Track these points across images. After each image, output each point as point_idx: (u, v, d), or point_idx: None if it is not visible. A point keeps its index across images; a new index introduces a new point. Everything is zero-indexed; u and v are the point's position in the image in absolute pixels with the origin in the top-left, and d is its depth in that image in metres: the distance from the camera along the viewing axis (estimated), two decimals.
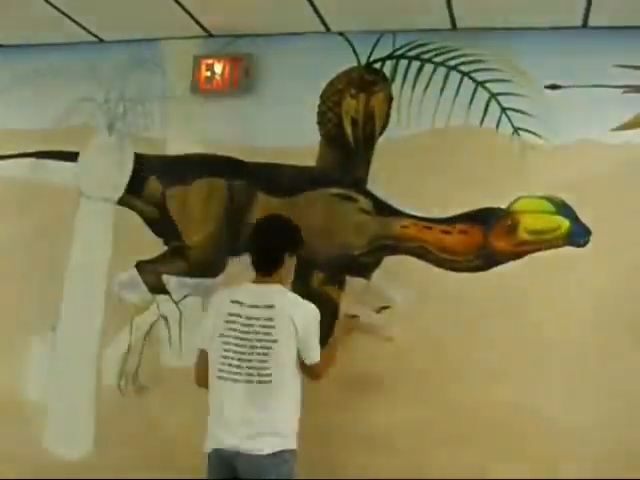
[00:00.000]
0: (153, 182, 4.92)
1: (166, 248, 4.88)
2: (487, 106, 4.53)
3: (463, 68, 4.58)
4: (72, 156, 5.11)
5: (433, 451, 4.36)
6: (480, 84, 4.55)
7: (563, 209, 4.34)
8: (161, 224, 4.89)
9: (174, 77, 5.01)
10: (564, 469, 4.18)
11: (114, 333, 4.89)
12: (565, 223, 4.33)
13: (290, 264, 3.99)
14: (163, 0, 4.48)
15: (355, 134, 4.69)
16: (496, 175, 4.47)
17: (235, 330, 3.81)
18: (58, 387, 4.98)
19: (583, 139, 4.40)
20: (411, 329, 4.47)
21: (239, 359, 3.78)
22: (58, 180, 5.10)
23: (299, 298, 3.92)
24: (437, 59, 4.62)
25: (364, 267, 4.58)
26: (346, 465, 4.46)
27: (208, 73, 4.86)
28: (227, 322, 3.83)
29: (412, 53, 4.65)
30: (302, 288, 4.55)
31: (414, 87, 4.64)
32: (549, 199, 4.37)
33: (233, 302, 3.86)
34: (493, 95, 4.53)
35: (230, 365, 3.79)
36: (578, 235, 4.31)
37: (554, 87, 4.46)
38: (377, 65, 4.71)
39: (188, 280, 4.81)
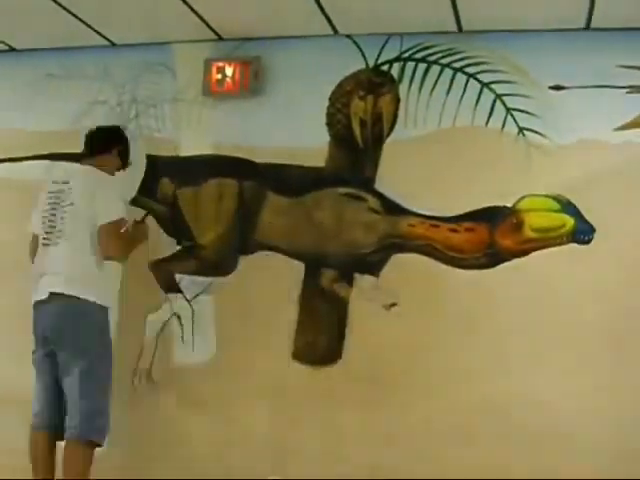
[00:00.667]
0: (165, 183, 4.97)
1: (179, 248, 4.93)
2: (492, 107, 4.58)
3: (469, 70, 4.63)
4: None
5: (441, 449, 4.40)
6: (486, 85, 4.60)
7: (568, 207, 4.38)
8: (174, 224, 4.93)
9: (185, 80, 5.05)
10: (572, 467, 4.23)
11: (127, 331, 4.90)
12: (570, 221, 4.37)
13: (115, 159, 4.62)
14: (175, 4, 4.52)
15: (363, 135, 4.73)
16: (502, 174, 4.51)
17: (51, 203, 4.38)
18: None
19: (587, 139, 4.44)
20: (418, 326, 4.52)
21: (49, 226, 4.34)
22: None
23: (101, 172, 4.42)
24: (443, 61, 4.66)
25: (373, 265, 4.62)
26: (358, 462, 4.50)
27: (219, 76, 4.89)
28: (48, 199, 4.41)
29: (419, 55, 4.70)
30: (312, 286, 4.64)
31: (421, 88, 4.68)
32: (554, 197, 4.42)
33: (53, 182, 4.45)
34: (498, 96, 4.58)
35: (45, 232, 4.36)
36: (582, 233, 4.35)
37: (558, 88, 4.50)
38: (385, 67, 4.75)
39: (200, 279, 4.86)
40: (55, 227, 4.32)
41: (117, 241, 4.30)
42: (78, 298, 4.20)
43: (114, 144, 4.65)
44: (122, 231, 4.32)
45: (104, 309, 4.31)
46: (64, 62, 5.24)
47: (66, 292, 4.21)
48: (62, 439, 4.23)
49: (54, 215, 4.34)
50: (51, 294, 4.24)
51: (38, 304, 4.32)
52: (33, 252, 4.47)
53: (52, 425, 4.29)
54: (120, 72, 5.16)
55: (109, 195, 4.33)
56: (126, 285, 4.91)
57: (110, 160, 4.60)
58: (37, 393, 4.37)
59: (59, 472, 4.21)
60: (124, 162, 4.71)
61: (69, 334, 4.21)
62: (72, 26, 4.88)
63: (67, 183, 4.37)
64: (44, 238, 4.37)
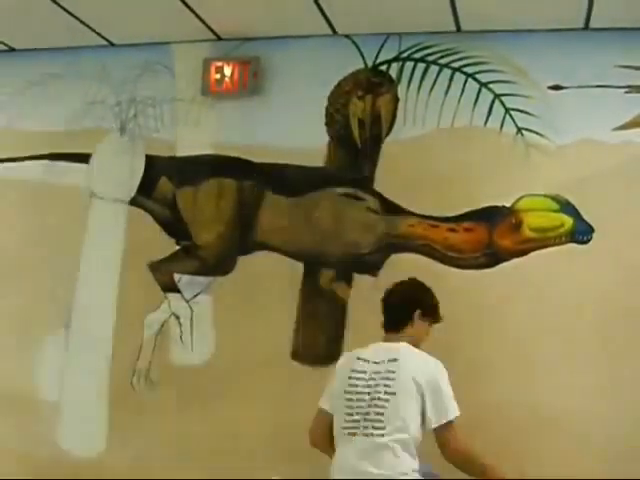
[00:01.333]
0: (164, 183, 4.97)
1: (178, 247, 4.93)
2: (491, 107, 4.59)
3: (467, 70, 4.64)
4: (84, 158, 5.16)
5: (437, 449, 4.37)
6: (484, 85, 4.61)
7: (566, 207, 4.39)
8: (172, 224, 4.93)
9: (184, 80, 5.06)
10: (573, 467, 4.22)
11: (126, 332, 4.93)
12: (568, 221, 4.38)
13: (421, 324, 3.82)
14: (173, 4, 4.53)
15: (362, 135, 4.74)
16: (500, 174, 4.53)
17: (358, 386, 3.63)
18: (71, 386, 5.01)
19: (585, 139, 4.45)
20: None
21: (357, 413, 3.58)
22: (70, 181, 5.14)
23: (425, 354, 3.71)
24: (442, 61, 4.67)
25: (371, 265, 4.62)
26: None
27: (218, 76, 4.91)
28: (350, 378, 3.66)
29: (417, 55, 4.71)
30: (311, 286, 4.64)
31: (420, 88, 4.69)
32: (552, 197, 4.43)
33: (359, 359, 3.72)
34: (497, 96, 4.58)
35: (353, 421, 3.59)
36: (581, 232, 4.36)
37: (557, 88, 4.51)
38: (383, 67, 4.76)
39: (199, 279, 4.86)
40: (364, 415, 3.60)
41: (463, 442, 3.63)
42: None
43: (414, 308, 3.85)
44: None
45: None
46: (63, 62, 5.25)
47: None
48: None
49: (365, 403, 3.59)
50: None
51: None
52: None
53: None
54: (119, 72, 5.17)
55: (444, 386, 3.63)
56: (125, 285, 4.96)
57: (421, 330, 3.87)
58: None
59: None
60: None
61: None
62: (71, 26, 4.90)
63: (393, 362, 3.63)
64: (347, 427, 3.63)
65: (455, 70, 4.65)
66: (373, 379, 3.61)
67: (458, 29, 4.64)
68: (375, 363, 3.65)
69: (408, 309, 3.79)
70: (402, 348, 3.68)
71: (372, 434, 3.51)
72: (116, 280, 5.00)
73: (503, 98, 4.58)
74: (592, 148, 4.44)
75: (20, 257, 5.17)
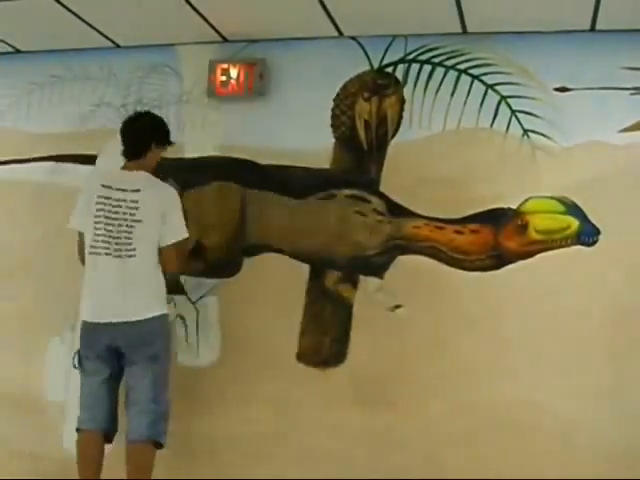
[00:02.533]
0: (170, 185, 4.96)
1: None
2: (497, 108, 4.58)
3: (473, 71, 4.63)
4: (90, 159, 5.16)
5: (445, 450, 4.41)
6: (490, 87, 4.60)
7: (572, 209, 4.39)
8: None
9: (190, 81, 5.06)
10: (574, 468, 4.23)
11: None
12: (574, 223, 4.37)
13: (155, 153, 4.42)
14: (179, 6, 4.53)
15: (368, 136, 4.74)
16: (506, 176, 4.51)
17: (104, 211, 4.21)
18: (77, 387, 4.98)
19: (592, 140, 4.44)
20: (423, 327, 4.52)
21: (109, 236, 4.19)
22: (76, 183, 5.13)
23: (160, 181, 4.33)
24: (448, 63, 4.67)
25: (377, 267, 4.62)
26: (362, 464, 4.51)
27: (224, 77, 4.90)
28: (97, 204, 4.23)
29: (423, 57, 4.70)
30: (317, 287, 4.64)
31: (426, 90, 4.69)
32: (558, 199, 4.42)
33: (104, 186, 4.27)
34: (503, 98, 4.58)
35: (103, 242, 4.20)
36: (587, 235, 4.35)
37: (563, 89, 4.50)
38: (389, 69, 4.76)
39: (205, 280, 4.86)
40: (118, 239, 4.21)
41: (183, 259, 4.40)
42: (152, 317, 4.22)
43: (153, 140, 4.44)
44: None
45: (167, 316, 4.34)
46: (69, 64, 5.25)
47: (141, 317, 4.19)
48: (110, 441, 4.34)
49: (115, 226, 4.22)
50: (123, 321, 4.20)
51: (103, 324, 4.24)
52: (82, 252, 4.36)
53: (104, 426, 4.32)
54: (125, 74, 5.18)
55: (178, 213, 4.30)
56: None
57: (152, 158, 4.45)
58: (87, 396, 4.33)
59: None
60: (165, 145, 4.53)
61: (145, 346, 4.20)
62: (77, 28, 4.89)
63: (136, 192, 4.25)
64: (96, 247, 4.25)
65: (461, 72, 4.64)
66: (119, 206, 4.22)
67: (464, 31, 4.64)
68: (119, 190, 4.25)
69: (146, 140, 4.38)
70: (142, 179, 4.30)
71: (126, 256, 4.17)
72: None
73: (509, 100, 4.57)
74: (598, 150, 4.43)
75: (26, 258, 5.18)
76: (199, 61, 5.02)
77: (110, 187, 4.25)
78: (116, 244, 4.18)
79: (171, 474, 4.61)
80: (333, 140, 4.81)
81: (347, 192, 4.72)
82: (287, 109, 4.89)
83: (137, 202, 4.20)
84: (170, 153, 4.99)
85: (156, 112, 5.02)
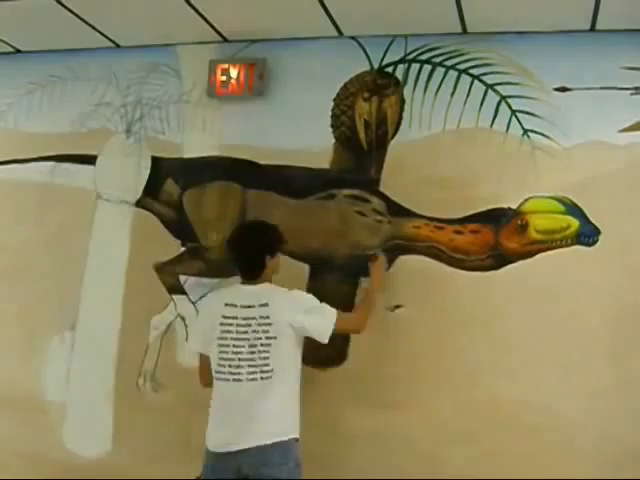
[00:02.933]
0: (170, 184, 4.98)
1: (183, 249, 4.94)
2: (497, 108, 4.57)
3: (473, 71, 4.62)
4: (90, 159, 5.17)
5: (446, 450, 4.40)
6: (490, 87, 4.60)
7: (572, 209, 4.38)
8: (178, 225, 4.94)
9: (190, 81, 5.07)
10: (575, 468, 4.22)
11: (132, 333, 4.94)
12: (574, 223, 4.36)
13: (273, 263, 4.08)
14: (179, 6, 4.53)
15: (368, 136, 4.73)
16: (506, 176, 4.50)
17: (232, 332, 3.91)
18: (77, 386, 5.03)
19: (592, 140, 4.43)
20: (423, 327, 4.52)
21: (239, 359, 3.87)
22: (76, 183, 5.16)
23: (286, 290, 4.01)
24: (448, 63, 4.66)
25: None
26: (363, 464, 4.51)
27: (224, 77, 4.91)
28: (222, 324, 3.93)
29: (423, 57, 4.69)
30: (317, 288, 4.63)
31: (425, 90, 4.68)
32: (559, 199, 4.41)
33: (227, 305, 3.96)
34: (503, 97, 4.57)
35: (230, 366, 3.89)
36: (587, 235, 4.34)
37: (563, 89, 4.50)
38: (389, 69, 4.75)
39: (205, 280, 4.86)
40: (251, 361, 3.89)
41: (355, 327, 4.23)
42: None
43: (267, 254, 4.09)
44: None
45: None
46: (68, 64, 5.26)
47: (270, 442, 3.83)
48: None
49: (246, 347, 3.90)
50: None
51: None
52: (204, 376, 4.15)
53: None
54: (125, 74, 5.18)
55: (311, 305, 4.00)
56: (131, 286, 4.97)
57: (274, 266, 4.13)
58: None
59: None
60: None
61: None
62: (76, 28, 4.90)
63: (265, 307, 3.92)
64: (229, 372, 3.93)
65: (461, 72, 4.63)
66: (249, 325, 3.88)
67: (464, 31, 4.63)
68: (245, 307, 3.91)
69: (261, 257, 4.03)
70: (267, 291, 3.98)
71: (260, 378, 3.83)
72: (122, 281, 5.01)
73: (509, 100, 4.56)
74: (598, 150, 4.42)
75: (26, 258, 5.18)
76: (199, 61, 5.02)
77: (236, 305, 3.95)
78: (249, 366, 3.87)
79: (171, 474, 4.61)
80: (333, 140, 4.80)
81: (347, 192, 4.71)
82: (287, 109, 4.88)
83: (268, 317, 3.90)
84: (170, 153, 5.03)
85: (156, 112, 5.08)
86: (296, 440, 3.91)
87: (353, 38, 4.82)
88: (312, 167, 4.78)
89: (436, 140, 4.65)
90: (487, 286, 4.46)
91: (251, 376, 3.85)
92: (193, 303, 4.87)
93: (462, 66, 4.64)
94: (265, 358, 3.85)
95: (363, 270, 4.60)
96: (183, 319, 4.89)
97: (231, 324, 3.92)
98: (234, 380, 3.88)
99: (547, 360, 4.33)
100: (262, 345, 3.86)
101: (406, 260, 4.59)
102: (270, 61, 4.92)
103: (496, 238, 4.47)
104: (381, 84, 4.75)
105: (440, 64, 4.67)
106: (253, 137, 4.90)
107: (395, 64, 4.75)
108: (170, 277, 4.91)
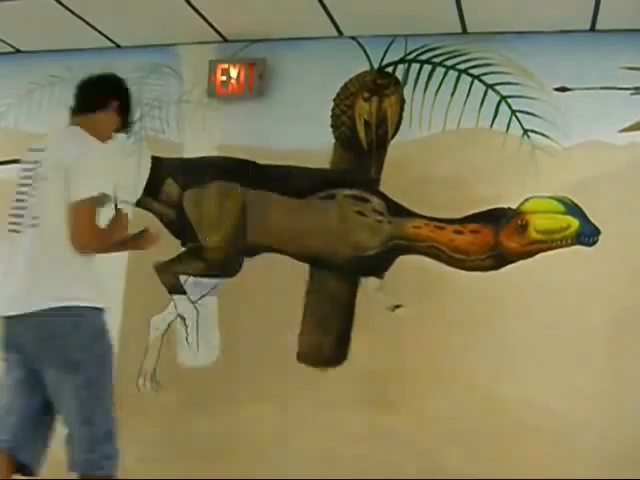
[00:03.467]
0: (170, 184, 4.98)
1: (184, 249, 4.94)
2: (497, 108, 4.58)
3: (473, 71, 4.63)
4: None
5: (446, 449, 4.40)
6: (490, 87, 4.60)
7: (572, 209, 4.38)
8: (178, 225, 4.94)
9: (190, 81, 5.07)
10: (575, 468, 4.21)
11: (132, 333, 4.93)
12: (574, 223, 4.37)
13: (109, 116, 3.68)
14: (179, 6, 4.53)
15: (368, 136, 4.73)
16: (506, 176, 4.51)
17: (21, 177, 3.55)
18: None
19: (592, 140, 4.44)
20: (423, 327, 4.53)
21: (20, 207, 3.46)
22: None
23: (85, 136, 3.51)
24: (448, 63, 4.66)
25: (377, 267, 4.62)
26: (363, 463, 4.50)
27: (224, 77, 4.91)
28: (22, 170, 3.56)
29: (423, 57, 4.70)
30: (317, 288, 4.64)
31: (426, 90, 4.68)
32: (559, 199, 4.41)
33: (30, 150, 3.60)
34: (503, 97, 4.58)
35: (16, 216, 3.47)
36: (587, 235, 4.35)
37: (563, 89, 4.50)
38: (389, 69, 4.76)
39: (205, 280, 4.86)
40: (24, 210, 3.44)
41: (88, 226, 3.38)
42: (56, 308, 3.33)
43: (110, 96, 3.69)
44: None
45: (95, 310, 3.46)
46: (69, 64, 5.22)
47: (42, 307, 3.31)
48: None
49: (24, 194, 3.47)
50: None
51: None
52: None
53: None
54: (125, 74, 5.06)
55: (89, 165, 3.38)
56: (131, 287, 4.96)
57: (104, 119, 3.65)
58: (5, 417, 3.49)
59: None
60: (124, 120, 3.80)
61: (55, 349, 3.37)
62: (77, 28, 4.90)
63: (42, 151, 3.50)
64: (11, 223, 3.48)
65: (461, 72, 4.64)
66: (29, 170, 3.49)
67: (464, 31, 4.64)
68: (30, 150, 3.56)
69: (105, 92, 3.68)
70: (56, 133, 3.61)
71: (31, 225, 3.37)
72: (122, 281, 5.01)
73: (509, 100, 4.57)
74: (598, 150, 4.42)
75: None
76: (199, 61, 5.03)
77: (31, 150, 3.58)
78: (19, 216, 3.43)
79: (171, 474, 4.61)
80: (333, 140, 4.81)
81: (347, 192, 4.71)
82: (287, 109, 4.89)
83: (39, 162, 3.45)
84: (170, 153, 5.02)
85: (156, 112, 5.09)
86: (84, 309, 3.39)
87: (353, 38, 4.82)
88: (312, 167, 4.78)
89: (436, 140, 4.65)
90: (487, 286, 4.46)
91: (21, 227, 3.43)
92: (193, 303, 4.87)
93: (462, 66, 4.65)
94: (35, 204, 3.40)
95: (363, 270, 4.61)
96: (183, 319, 4.89)
97: (24, 171, 3.54)
98: (10, 231, 3.48)
99: (547, 360, 4.33)
100: (34, 189, 3.42)
101: (406, 260, 4.60)
102: (270, 61, 4.92)
103: (496, 238, 4.47)
104: (381, 84, 4.76)
105: (440, 64, 4.68)
106: (253, 137, 4.90)
107: (395, 64, 4.76)
108: (170, 277, 4.92)
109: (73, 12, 4.71)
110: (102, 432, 3.42)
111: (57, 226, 3.34)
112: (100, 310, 3.46)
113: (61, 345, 3.34)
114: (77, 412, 3.36)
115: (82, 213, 3.34)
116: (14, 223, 3.44)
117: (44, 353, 3.35)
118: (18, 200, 3.47)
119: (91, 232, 3.39)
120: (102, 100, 3.68)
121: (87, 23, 4.86)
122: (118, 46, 5.21)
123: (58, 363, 3.34)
